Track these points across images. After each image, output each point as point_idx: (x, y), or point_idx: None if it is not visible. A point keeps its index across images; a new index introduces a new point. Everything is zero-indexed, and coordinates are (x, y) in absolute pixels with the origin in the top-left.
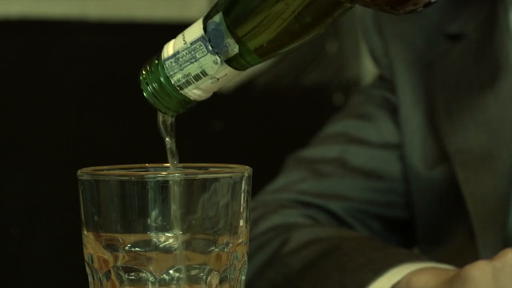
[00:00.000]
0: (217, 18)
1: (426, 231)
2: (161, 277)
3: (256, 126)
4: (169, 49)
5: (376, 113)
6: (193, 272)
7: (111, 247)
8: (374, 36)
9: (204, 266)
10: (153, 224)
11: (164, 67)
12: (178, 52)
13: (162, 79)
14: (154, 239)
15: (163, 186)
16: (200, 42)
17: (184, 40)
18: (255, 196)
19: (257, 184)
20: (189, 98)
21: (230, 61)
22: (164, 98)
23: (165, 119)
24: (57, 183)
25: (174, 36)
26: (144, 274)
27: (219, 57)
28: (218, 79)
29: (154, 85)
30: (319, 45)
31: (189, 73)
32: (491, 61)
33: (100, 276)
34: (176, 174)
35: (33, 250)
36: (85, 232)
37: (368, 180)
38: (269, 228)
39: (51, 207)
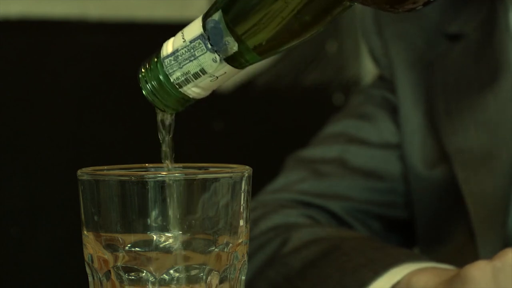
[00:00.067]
0: (217, 16)
1: (426, 231)
2: (161, 277)
3: (256, 126)
4: (168, 47)
5: (376, 113)
6: (193, 272)
7: (111, 247)
8: (374, 36)
9: (204, 266)
10: (153, 224)
11: (163, 65)
12: (177, 50)
13: (161, 77)
14: (154, 239)
15: (163, 186)
16: (199, 40)
17: (183, 38)
18: (255, 196)
19: (257, 184)
20: (188, 96)
21: (229, 59)
22: (163, 96)
23: (163, 118)
24: (57, 183)
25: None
26: (144, 274)
27: (218, 55)
28: (217, 77)
29: (153, 83)
30: (319, 45)
31: (188, 71)
32: (491, 61)
33: (100, 276)
34: (176, 174)
35: (33, 250)
36: (85, 232)
37: (368, 180)
38: (269, 228)
39: (51, 207)
